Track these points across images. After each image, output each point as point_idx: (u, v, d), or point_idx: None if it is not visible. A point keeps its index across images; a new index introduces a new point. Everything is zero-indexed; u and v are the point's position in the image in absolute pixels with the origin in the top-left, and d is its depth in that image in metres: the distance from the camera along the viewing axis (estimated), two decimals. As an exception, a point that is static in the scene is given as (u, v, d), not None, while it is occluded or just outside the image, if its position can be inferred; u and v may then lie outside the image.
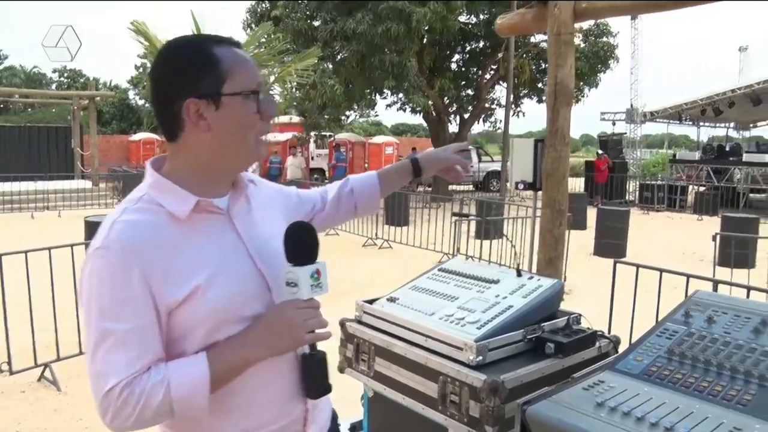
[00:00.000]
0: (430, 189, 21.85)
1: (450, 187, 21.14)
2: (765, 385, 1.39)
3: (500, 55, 20.39)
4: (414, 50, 18.43)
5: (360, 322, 2.35)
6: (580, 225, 14.14)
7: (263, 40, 14.31)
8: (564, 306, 2.33)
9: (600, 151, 21.35)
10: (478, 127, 26.63)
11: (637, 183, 20.61)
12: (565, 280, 8.81)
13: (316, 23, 19.11)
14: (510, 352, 1.98)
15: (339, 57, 19.02)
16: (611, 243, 11.64)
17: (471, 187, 24.35)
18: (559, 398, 1.40)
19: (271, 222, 1.53)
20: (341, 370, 2.35)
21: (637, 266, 4.27)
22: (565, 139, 3.53)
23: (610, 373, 1.53)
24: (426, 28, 17.80)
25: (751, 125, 26.25)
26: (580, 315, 2.23)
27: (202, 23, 11.72)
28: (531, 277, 2.25)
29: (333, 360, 1.72)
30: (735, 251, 9.93)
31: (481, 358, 1.88)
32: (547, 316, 2.14)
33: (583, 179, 21.77)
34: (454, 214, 9.74)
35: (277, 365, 1.39)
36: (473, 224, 12.32)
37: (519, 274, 2.26)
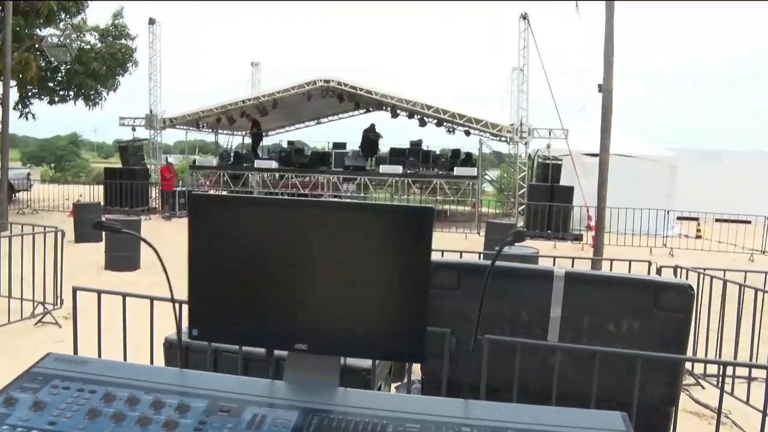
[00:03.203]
0: None
1: None
2: None
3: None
4: None
5: None
6: (96, 238, 13.09)
7: None
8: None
9: (169, 159, 20.59)
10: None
11: (158, 189, 20.41)
12: (62, 303, 7.84)
13: None
14: None
15: None
16: (123, 256, 10.98)
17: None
18: None
19: None
20: None
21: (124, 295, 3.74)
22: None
23: None
24: None
25: (264, 134, 28.76)
26: None
27: None
28: None
29: None
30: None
31: None
32: None
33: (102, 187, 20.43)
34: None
35: None
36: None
37: None
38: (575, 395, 3.13)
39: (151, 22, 21.19)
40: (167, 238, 8.76)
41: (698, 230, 18.94)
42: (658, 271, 6.35)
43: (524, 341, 3.03)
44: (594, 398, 2.96)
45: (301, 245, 1.26)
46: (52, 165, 60.47)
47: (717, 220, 20.87)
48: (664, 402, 3.09)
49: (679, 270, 6.30)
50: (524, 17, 17.98)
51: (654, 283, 3.00)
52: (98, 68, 19.99)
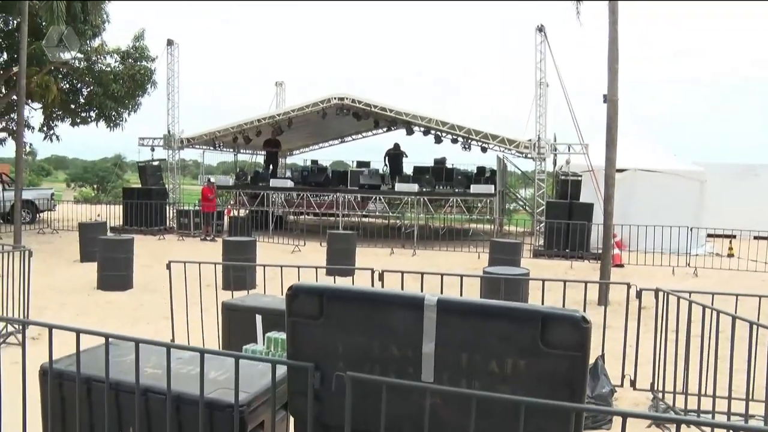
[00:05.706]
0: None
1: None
2: None
3: (15, 69, 18.02)
4: None
5: None
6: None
7: None
8: None
9: (211, 179, 20.21)
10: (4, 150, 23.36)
11: (174, 209, 20.39)
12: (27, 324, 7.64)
13: None
14: None
15: None
16: (115, 275, 10.83)
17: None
18: None
19: None
20: None
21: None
22: None
23: None
24: None
25: (288, 153, 28.56)
26: None
27: None
28: None
29: None
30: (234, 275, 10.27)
31: None
32: None
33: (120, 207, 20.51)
34: None
35: None
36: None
37: None
38: (455, 444, 2.69)
39: (170, 43, 21.38)
40: (174, 257, 8.63)
41: (730, 248, 17.94)
42: (638, 294, 5.79)
43: (388, 380, 2.59)
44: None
45: None
46: (95, 186, 62.03)
47: (756, 238, 19.80)
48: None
49: (661, 293, 5.72)
50: (540, 29, 17.47)
51: (539, 315, 2.52)
52: (117, 90, 20.16)
